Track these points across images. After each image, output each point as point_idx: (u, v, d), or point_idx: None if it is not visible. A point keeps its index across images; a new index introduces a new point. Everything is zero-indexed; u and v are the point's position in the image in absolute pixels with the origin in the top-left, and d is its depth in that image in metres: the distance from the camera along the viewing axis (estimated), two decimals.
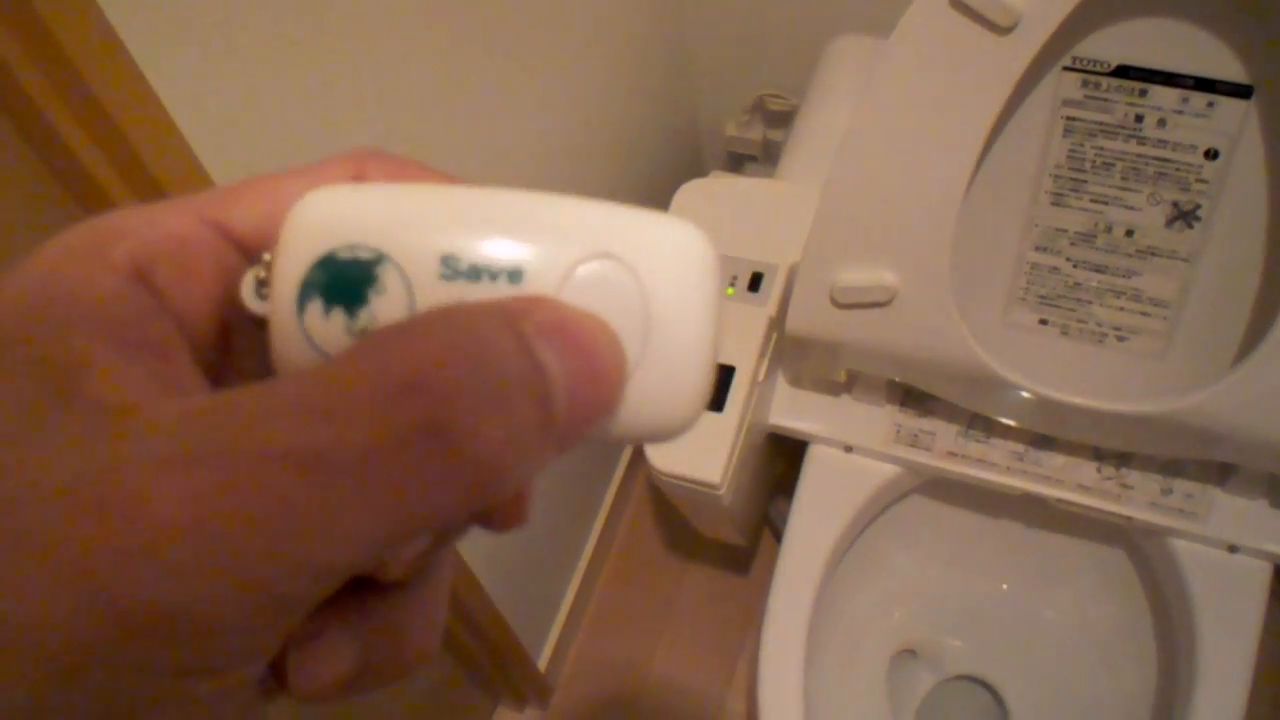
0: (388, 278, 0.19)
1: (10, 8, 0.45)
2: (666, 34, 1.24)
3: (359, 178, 0.22)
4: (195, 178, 0.56)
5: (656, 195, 1.08)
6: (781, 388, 1.00)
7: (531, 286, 0.19)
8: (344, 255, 0.19)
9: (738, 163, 1.42)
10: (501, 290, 0.19)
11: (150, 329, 0.18)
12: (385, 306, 0.19)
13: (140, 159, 0.52)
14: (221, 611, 0.15)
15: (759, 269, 0.94)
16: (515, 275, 0.19)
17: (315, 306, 0.19)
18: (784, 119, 1.29)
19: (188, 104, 0.55)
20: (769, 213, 0.98)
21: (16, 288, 0.18)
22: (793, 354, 0.95)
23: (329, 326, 0.19)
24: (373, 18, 0.71)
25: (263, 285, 0.20)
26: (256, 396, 0.16)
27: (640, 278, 0.20)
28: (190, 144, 0.56)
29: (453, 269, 0.19)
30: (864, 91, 0.71)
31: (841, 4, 1.17)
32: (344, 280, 0.19)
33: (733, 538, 1.17)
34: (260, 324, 0.20)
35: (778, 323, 0.92)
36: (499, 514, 0.22)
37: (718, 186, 1.02)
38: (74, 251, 0.19)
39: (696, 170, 1.38)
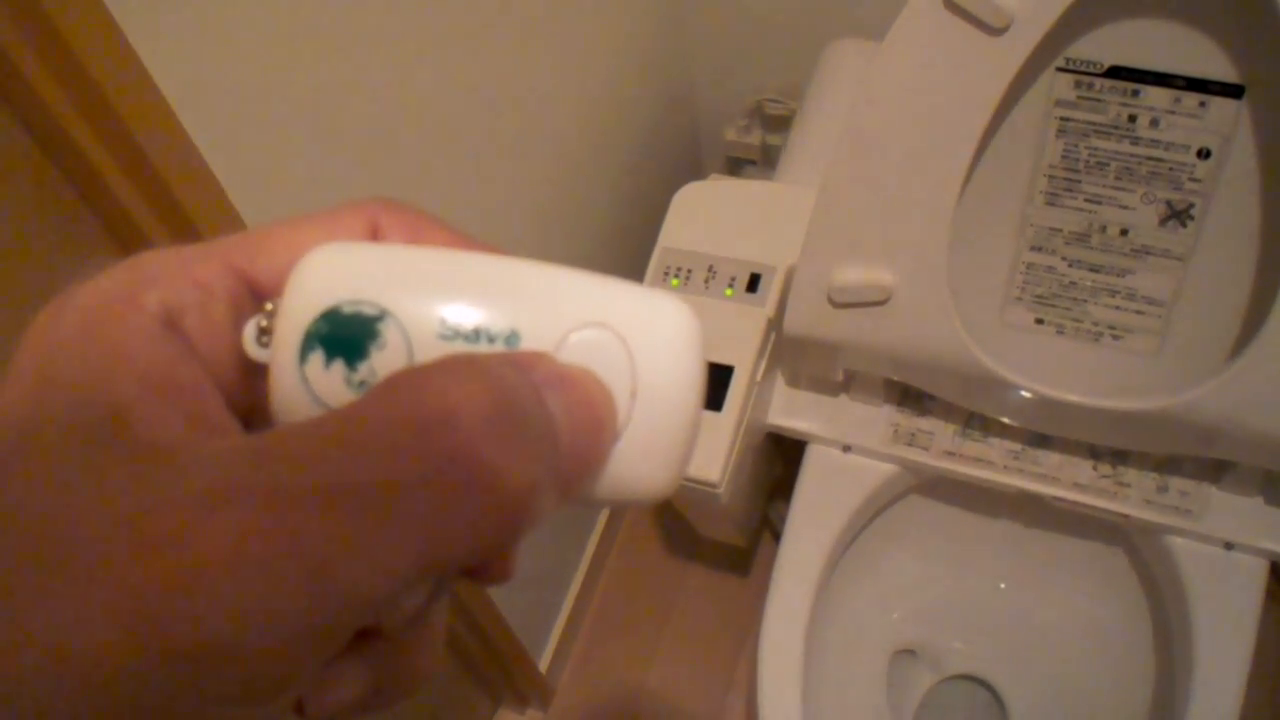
0: (389, 333, 0.20)
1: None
2: (666, 39, 1.25)
3: (374, 229, 0.22)
4: (197, 169, 0.57)
5: (656, 199, 1.09)
6: (779, 388, 1.01)
7: (527, 350, 0.20)
8: (348, 310, 0.20)
9: (737, 167, 1.43)
10: (497, 352, 0.20)
11: (182, 373, 0.19)
12: (385, 361, 0.20)
13: (141, 149, 0.53)
14: (263, 642, 0.16)
15: (757, 270, 0.94)
16: (512, 339, 0.20)
17: (316, 357, 0.20)
18: (782, 123, 1.30)
19: (187, 92, 0.56)
20: (767, 214, 0.98)
21: (59, 335, 0.19)
22: (791, 354, 0.96)
23: (329, 378, 0.20)
24: (373, 18, 0.71)
25: (264, 334, 0.21)
26: (291, 436, 0.17)
27: (630, 346, 0.20)
28: (187, 129, 0.56)
29: (453, 330, 0.20)
30: (859, 93, 0.72)
31: (839, 8, 1.17)
32: (346, 333, 0.20)
33: (732, 538, 1.18)
34: (263, 371, 0.21)
35: (776, 323, 0.92)
36: (489, 565, 0.22)
37: (716, 189, 1.03)
38: (110, 298, 0.19)
39: (696, 175, 1.39)
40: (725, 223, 0.99)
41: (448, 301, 0.20)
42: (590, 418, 0.19)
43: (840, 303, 0.82)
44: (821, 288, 0.82)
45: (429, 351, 0.20)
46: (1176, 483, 0.91)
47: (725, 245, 0.96)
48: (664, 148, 1.34)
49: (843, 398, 0.99)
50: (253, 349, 0.21)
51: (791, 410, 1.00)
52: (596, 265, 1.23)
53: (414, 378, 0.18)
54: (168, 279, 0.20)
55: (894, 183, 0.75)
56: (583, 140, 1.10)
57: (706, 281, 0.95)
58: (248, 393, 0.22)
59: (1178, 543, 0.91)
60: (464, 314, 0.20)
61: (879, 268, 0.80)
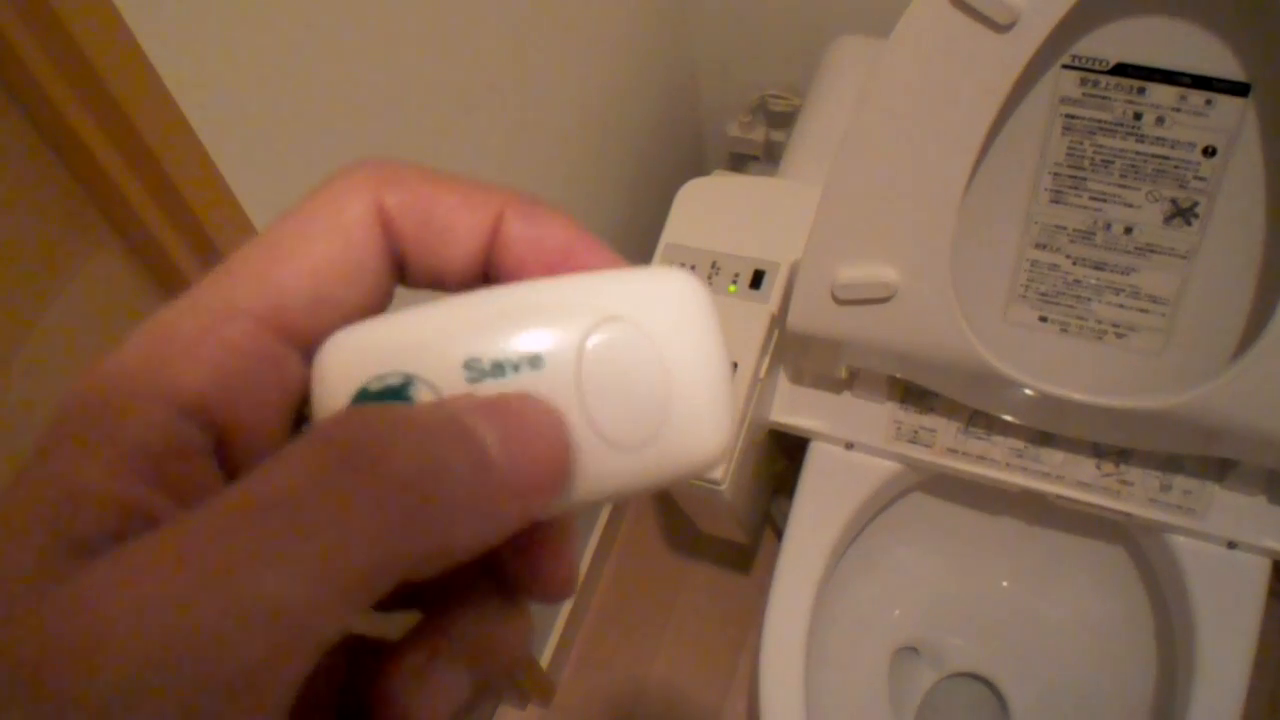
0: (420, 396, 0.20)
1: None
2: (669, 35, 1.25)
3: (381, 213, 0.22)
4: (201, 162, 0.57)
5: (659, 195, 1.09)
6: (782, 385, 1.01)
7: (552, 366, 0.20)
8: (375, 387, 0.20)
9: (740, 163, 1.43)
10: (526, 379, 0.20)
11: (180, 469, 0.19)
12: None
13: (147, 145, 0.53)
14: (175, 683, 0.15)
15: (760, 266, 0.94)
16: (535, 361, 0.20)
17: None
18: (786, 119, 1.30)
19: (191, 85, 0.56)
20: (770, 211, 0.98)
21: (66, 411, 0.18)
22: (794, 351, 0.96)
23: None
24: (376, 13, 0.71)
25: None
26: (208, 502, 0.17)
27: (647, 329, 0.21)
28: (192, 122, 0.56)
29: (477, 371, 0.20)
30: (864, 89, 0.72)
31: (843, 4, 1.17)
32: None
33: (734, 535, 1.18)
34: None
35: (779, 320, 0.92)
36: (540, 583, 0.22)
37: (719, 185, 1.03)
38: (128, 378, 0.19)
39: (699, 171, 1.39)
40: (729, 219, 0.99)
41: (465, 346, 0.20)
42: (520, 423, 0.19)
43: (844, 299, 0.82)
44: (825, 284, 0.82)
45: (459, 392, 0.20)
46: (1179, 481, 0.91)
47: (729, 242, 0.96)
48: (667, 143, 1.34)
49: (846, 395, 0.99)
50: None
51: (794, 407, 1.00)
52: None
53: (311, 427, 0.18)
54: (204, 352, 0.19)
55: (898, 179, 0.75)
56: (585, 136, 1.10)
57: (710, 278, 0.95)
58: None
59: (1180, 541, 0.91)
60: (483, 352, 0.20)
61: (883, 264, 0.79)
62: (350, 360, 0.21)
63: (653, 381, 0.21)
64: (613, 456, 0.21)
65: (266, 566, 0.15)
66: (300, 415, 0.22)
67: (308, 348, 0.21)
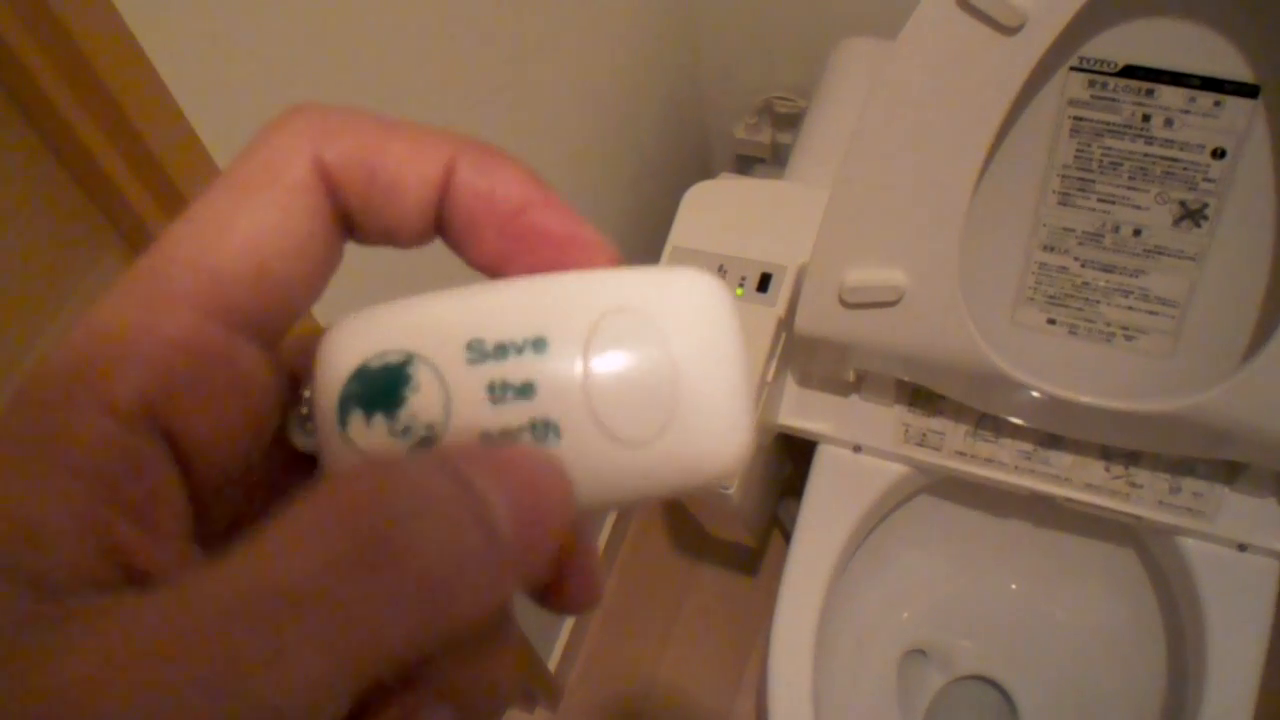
0: (420, 374, 0.20)
1: None
2: (675, 37, 1.25)
3: (322, 169, 0.20)
4: (205, 167, 0.57)
5: (665, 198, 1.09)
6: (790, 388, 1.01)
7: (556, 350, 0.20)
8: (374, 364, 0.20)
9: (746, 165, 1.42)
10: (528, 362, 0.19)
11: (136, 490, 0.17)
12: (423, 402, 0.19)
13: (148, 147, 0.53)
14: None
15: (767, 270, 0.94)
16: (539, 344, 0.20)
17: (356, 417, 0.20)
18: (792, 121, 1.30)
19: (193, 87, 0.56)
20: (777, 214, 0.98)
21: (2, 428, 0.17)
22: (801, 354, 0.96)
23: (373, 433, 0.20)
24: (379, 12, 0.71)
25: (307, 420, 0.21)
26: (204, 573, 0.15)
27: (660, 321, 0.20)
28: (194, 125, 0.56)
29: (479, 352, 0.20)
30: (871, 92, 0.72)
31: (849, 6, 1.17)
32: (378, 386, 0.20)
33: (742, 537, 1.18)
34: (313, 459, 0.21)
35: (786, 323, 0.92)
36: (565, 596, 0.21)
37: (726, 188, 1.02)
38: (65, 383, 0.17)
39: (705, 173, 1.39)
40: (735, 222, 0.98)
41: (469, 328, 0.20)
42: (528, 484, 0.18)
43: (851, 303, 0.82)
44: (833, 288, 0.82)
45: (463, 380, 0.20)
46: (1189, 484, 0.90)
47: (735, 245, 0.96)
48: (673, 146, 1.34)
49: (853, 398, 0.99)
50: (301, 440, 0.21)
51: (802, 410, 1.00)
52: None
53: (319, 493, 0.16)
54: (143, 351, 0.18)
55: (906, 182, 0.75)
56: (591, 139, 1.10)
57: None
58: (253, 466, 0.20)
59: (1190, 544, 0.91)
60: (486, 334, 0.20)
61: (890, 268, 0.79)
62: (353, 339, 0.20)
63: (663, 375, 0.20)
64: (617, 453, 0.20)
65: (272, 668, 0.14)
66: (293, 399, 0.21)
67: (257, 333, 0.20)
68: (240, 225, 0.19)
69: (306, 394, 0.21)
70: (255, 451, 0.20)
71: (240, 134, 0.59)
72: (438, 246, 0.22)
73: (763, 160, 1.39)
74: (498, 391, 0.19)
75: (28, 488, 0.16)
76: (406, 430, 0.19)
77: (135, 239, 0.58)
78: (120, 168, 0.54)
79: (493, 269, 0.22)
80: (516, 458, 0.18)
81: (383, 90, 0.73)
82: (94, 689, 0.14)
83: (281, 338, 0.21)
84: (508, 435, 0.19)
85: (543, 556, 0.18)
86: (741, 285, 0.94)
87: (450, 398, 0.20)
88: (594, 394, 0.19)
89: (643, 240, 1.26)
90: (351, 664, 0.15)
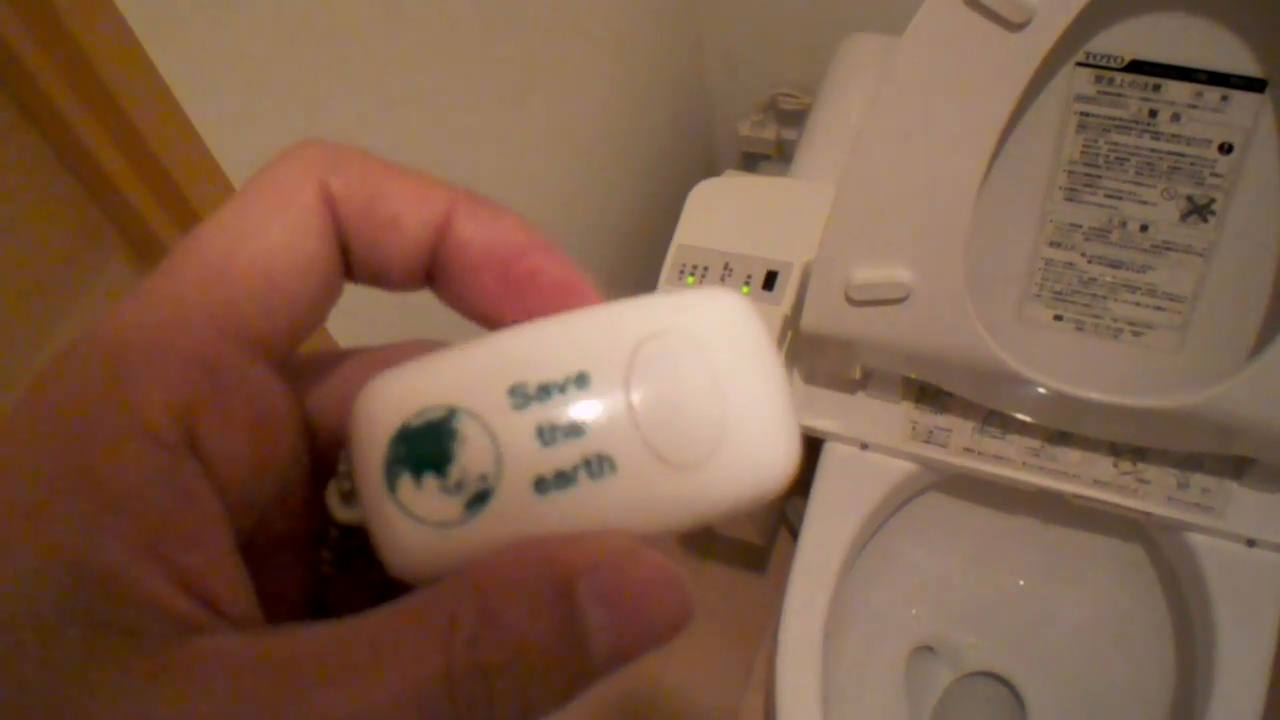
0: (465, 428, 0.19)
1: None
2: (680, 34, 1.25)
3: (328, 198, 0.20)
4: (210, 173, 0.57)
5: (671, 195, 1.09)
6: (797, 386, 1.01)
7: (599, 381, 0.19)
8: (416, 423, 0.19)
9: (752, 162, 1.42)
10: (573, 399, 0.19)
11: (186, 515, 0.17)
12: (472, 455, 0.19)
13: (153, 152, 0.53)
14: None
15: (773, 267, 0.94)
16: (582, 380, 0.19)
17: (405, 481, 0.19)
18: (797, 118, 1.29)
19: (197, 93, 0.56)
20: (783, 211, 0.98)
21: (36, 460, 0.16)
22: (808, 352, 0.96)
23: (425, 496, 0.19)
24: (387, 11, 0.71)
25: (349, 495, 0.20)
26: (299, 657, 0.16)
27: (695, 342, 0.20)
28: (200, 132, 0.56)
29: (522, 396, 0.19)
30: (877, 89, 0.72)
31: (854, 3, 1.17)
32: (424, 445, 0.19)
33: (749, 535, 1.18)
34: (356, 531, 0.20)
35: (792, 321, 0.92)
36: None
37: (731, 185, 1.02)
38: (93, 405, 0.17)
39: (711, 170, 1.39)
40: (741, 220, 0.98)
41: (507, 374, 0.19)
42: (639, 624, 0.18)
43: (857, 300, 0.82)
44: (838, 285, 0.82)
45: (510, 428, 0.19)
46: (1197, 479, 0.90)
47: (741, 242, 0.96)
48: (678, 143, 1.33)
49: (860, 395, 0.99)
50: (342, 513, 0.20)
51: (809, 408, 1.00)
52: (612, 263, 1.23)
53: (415, 617, 0.17)
54: (164, 369, 0.17)
55: (911, 179, 0.75)
56: (597, 137, 1.10)
57: (722, 279, 0.95)
58: (265, 491, 0.20)
59: (1199, 539, 0.90)
60: (527, 377, 0.19)
61: (896, 265, 0.79)
62: (388, 401, 0.20)
63: (708, 393, 0.19)
64: (674, 478, 0.19)
65: None
66: (324, 470, 0.21)
67: (267, 350, 0.19)
68: (250, 243, 0.19)
69: (343, 467, 0.20)
70: (273, 467, 0.20)
71: (244, 138, 0.59)
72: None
73: (768, 157, 1.38)
74: (547, 435, 0.19)
75: (87, 532, 0.16)
76: (459, 486, 0.19)
77: (141, 244, 0.58)
78: (126, 174, 0.54)
79: (489, 316, 0.22)
80: (643, 578, 0.18)
81: (389, 89, 0.73)
82: None
83: (288, 357, 0.20)
84: (563, 477, 0.19)
85: (629, 666, 0.18)
86: (747, 283, 0.94)
87: (499, 447, 0.19)
88: (643, 422, 0.19)
89: (649, 237, 1.26)
90: None
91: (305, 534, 0.22)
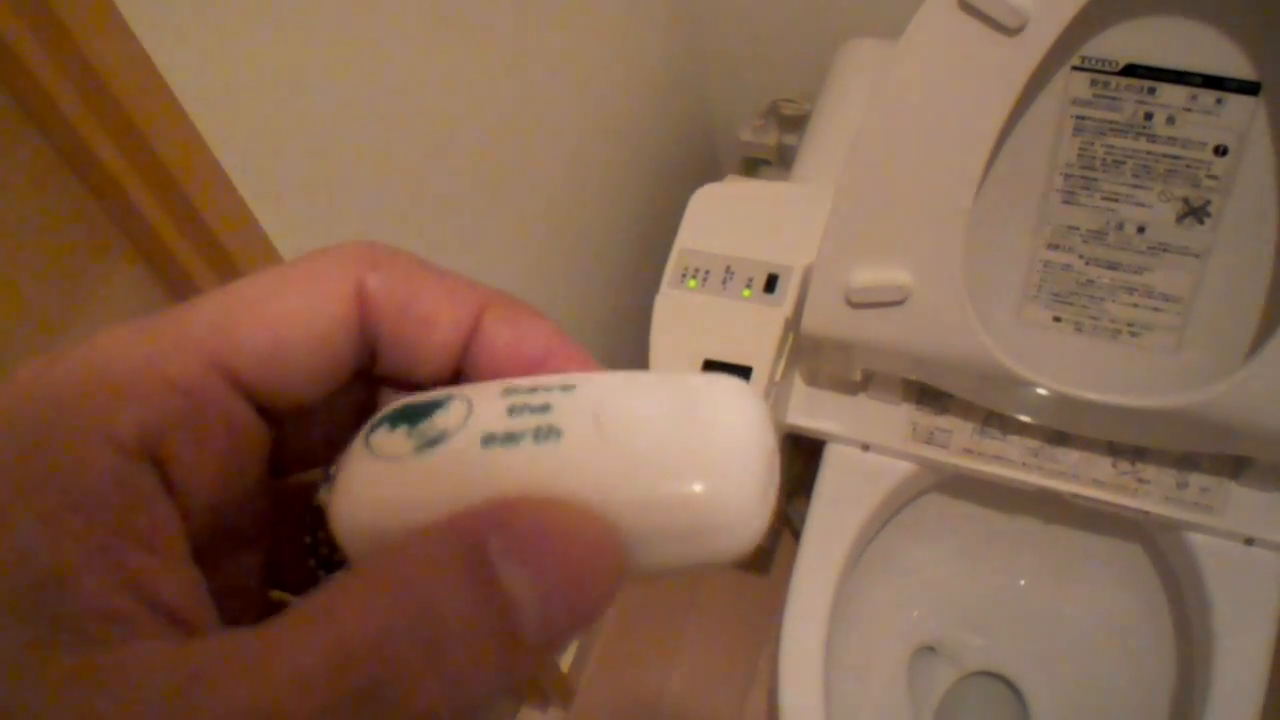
0: (453, 403, 0.20)
1: None
2: (681, 40, 1.25)
3: (360, 290, 0.21)
4: (216, 178, 0.58)
5: (673, 200, 1.09)
6: (798, 387, 1.01)
7: (584, 388, 0.20)
8: (416, 400, 0.21)
9: (752, 167, 1.43)
10: (555, 395, 0.20)
11: (142, 519, 0.17)
12: (447, 417, 0.20)
13: (163, 161, 0.54)
14: None
15: (774, 270, 0.95)
16: (568, 387, 0.20)
17: (381, 429, 0.20)
18: (798, 123, 1.30)
19: (203, 99, 0.57)
20: (783, 214, 0.98)
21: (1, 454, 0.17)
22: (809, 354, 0.96)
23: (391, 439, 0.20)
24: (388, 13, 0.72)
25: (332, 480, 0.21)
26: (211, 656, 0.16)
27: (696, 389, 0.20)
28: (205, 136, 0.57)
29: (512, 390, 0.20)
30: (874, 93, 0.72)
31: (852, 8, 1.18)
32: (412, 410, 0.20)
33: None
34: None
35: (793, 323, 0.93)
36: None
37: (732, 190, 1.03)
38: (65, 410, 0.17)
39: (711, 175, 1.39)
40: (742, 224, 0.99)
41: (510, 382, 0.21)
42: (570, 578, 0.17)
43: (858, 303, 0.83)
44: (839, 288, 0.83)
45: (489, 404, 0.20)
46: (1196, 479, 0.91)
47: (742, 246, 0.97)
48: (680, 149, 1.34)
49: (861, 396, 1.00)
50: (323, 494, 0.22)
51: (810, 410, 1.00)
52: (615, 267, 1.23)
53: (335, 602, 0.16)
54: (144, 388, 0.18)
55: (910, 183, 0.75)
56: (599, 143, 1.11)
57: (724, 282, 0.95)
58: (230, 512, 0.20)
59: (1197, 539, 0.91)
60: (523, 382, 0.21)
61: (896, 268, 0.80)
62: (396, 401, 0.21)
63: (687, 420, 0.20)
64: (615, 453, 0.19)
65: None
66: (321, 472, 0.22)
67: (255, 400, 0.20)
68: (270, 306, 0.20)
69: (334, 470, 0.21)
70: (235, 484, 0.20)
71: (251, 146, 0.60)
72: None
73: (769, 162, 1.39)
74: (516, 411, 0.20)
75: (42, 528, 0.16)
76: (422, 434, 0.20)
77: (150, 252, 0.59)
78: (132, 179, 0.54)
79: None
80: (566, 526, 0.17)
81: (391, 90, 0.74)
82: None
83: (276, 413, 0.21)
84: (511, 438, 0.19)
85: (570, 637, 0.17)
86: (748, 286, 0.95)
87: (472, 413, 0.20)
88: (608, 416, 0.19)
89: (650, 242, 1.26)
90: None
91: (266, 534, 0.23)
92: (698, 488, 0.19)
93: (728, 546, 0.19)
